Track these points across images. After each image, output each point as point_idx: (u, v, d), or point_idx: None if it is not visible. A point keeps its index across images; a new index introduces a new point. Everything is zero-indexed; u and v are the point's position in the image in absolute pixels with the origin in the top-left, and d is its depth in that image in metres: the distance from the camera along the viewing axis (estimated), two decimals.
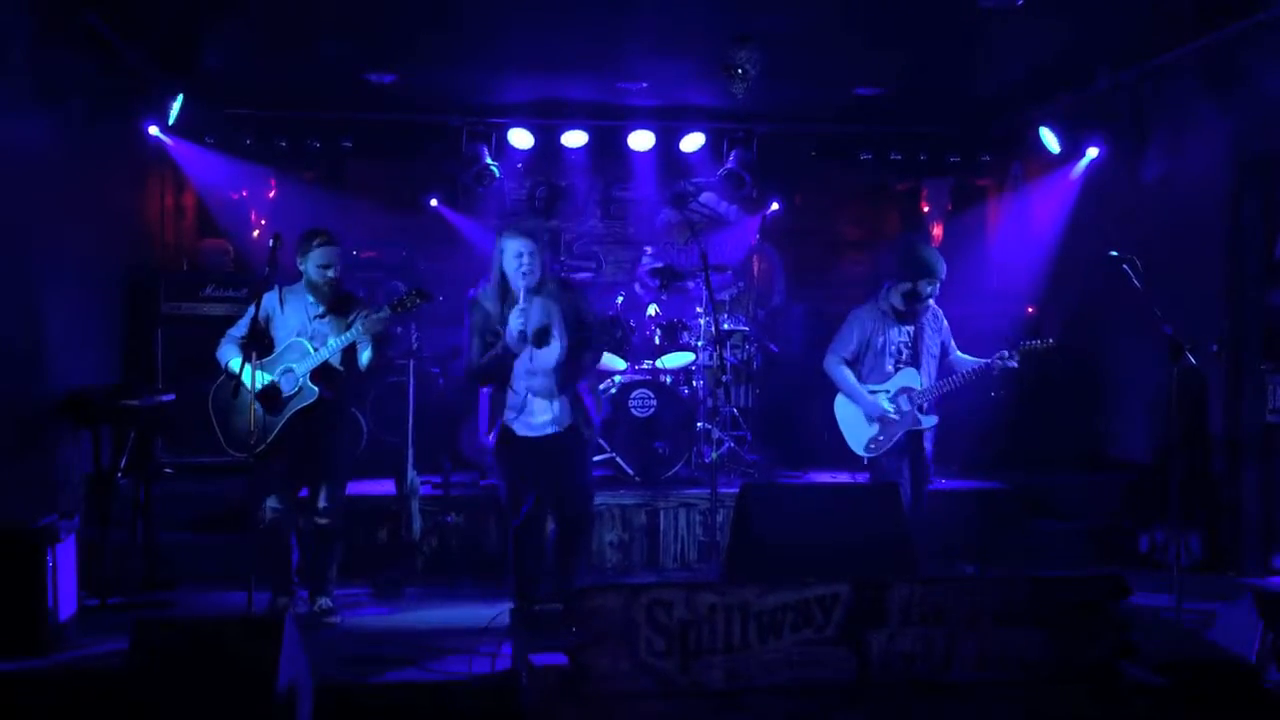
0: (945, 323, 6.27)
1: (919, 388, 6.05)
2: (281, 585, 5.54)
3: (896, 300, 6.11)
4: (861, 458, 6.15)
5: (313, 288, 5.53)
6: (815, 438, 7.38)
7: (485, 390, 5.35)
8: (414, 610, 5.82)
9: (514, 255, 5.12)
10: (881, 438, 6.07)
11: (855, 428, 6.14)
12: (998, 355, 5.98)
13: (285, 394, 5.41)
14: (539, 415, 5.27)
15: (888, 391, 6.08)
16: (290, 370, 5.42)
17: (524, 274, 5.11)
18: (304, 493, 5.60)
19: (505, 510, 5.41)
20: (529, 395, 5.25)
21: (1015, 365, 5.97)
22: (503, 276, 5.17)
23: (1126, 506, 7.17)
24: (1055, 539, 7.01)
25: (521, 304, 5.08)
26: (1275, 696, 4.26)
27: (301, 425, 5.43)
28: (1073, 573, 5.88)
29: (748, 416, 8.32)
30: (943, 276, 6.06)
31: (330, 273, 5.50)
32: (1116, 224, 7.70)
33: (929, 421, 6.08)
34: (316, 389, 5.40)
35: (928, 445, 6.16)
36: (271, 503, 5.45)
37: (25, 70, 5.77)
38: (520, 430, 5.28)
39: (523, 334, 5.09)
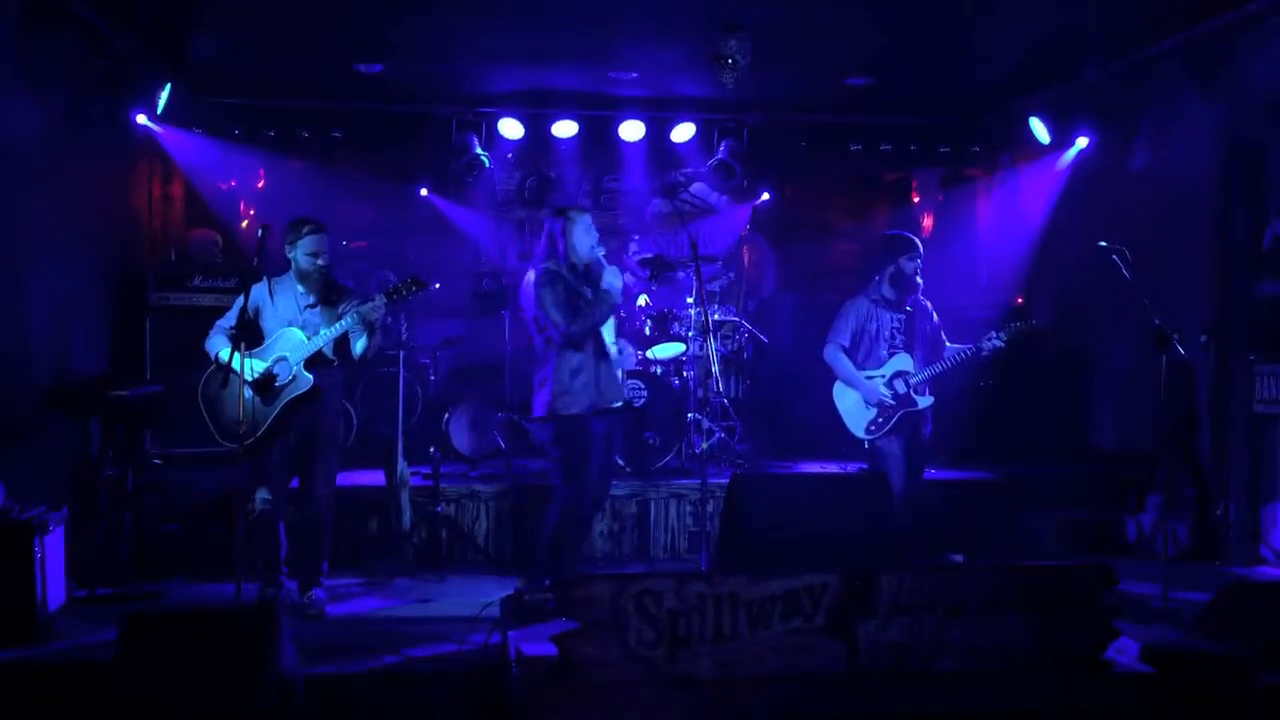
0: (936, 318, 6.42)
1: (912, 371, 6.22)
2: (270, 576, 5.53)
3: (887, 289, 6.31)
4: (861, 441, 6.30)
5: (303, 276, 5.50)
6: (805, 428, 7.41)
7: (547, 371, 5.45)
8: (404, 601, 5.82)
9: (586, 228, 5.54)
10: (880, 420, 6.23)
11: (854, 412, 6.30)
12: (985, 337, 6.16)
13: (279, 383, 5.38)
14: (616, 387, 5.59)
15: (883, 376, 6.26)
16: (284, 359, 5.39)
17: (598, 243, 5.57)
18: (294, 483, 5.59)
19: (570, 488, 5.47)
20: (606, 367, 5.52)
21: (1001, 344, 6.12)
22: (572, 249, 5.50)
23: (1114, 496, 7.19)
24: (1043, 528, 7.04)
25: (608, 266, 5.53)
26: (1260, 685, 4.28)
27: (293, 415, 5.41)
28: (1060, 562, 5.91)
29: (738, 407, 8.32)
30: (919, 250, 6.26)
31: (320, 260, 5.47)
32: (1105, 214, 7.72)
33: (925, 402, 6.25)
34: (310, 377, 5.38)
35: (925, 427, 6.31)
36: (262, 493, 5.44)
37: (11, 57, 5.74)
38: (601, 403, 5.49)
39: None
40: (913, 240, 6.33)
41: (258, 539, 5.50)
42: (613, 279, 5.52)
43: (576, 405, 5.40)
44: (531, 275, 5.55)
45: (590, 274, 5.55)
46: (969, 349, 6.20)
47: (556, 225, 5.56)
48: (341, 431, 5.74)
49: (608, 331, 5.62)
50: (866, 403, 6.24)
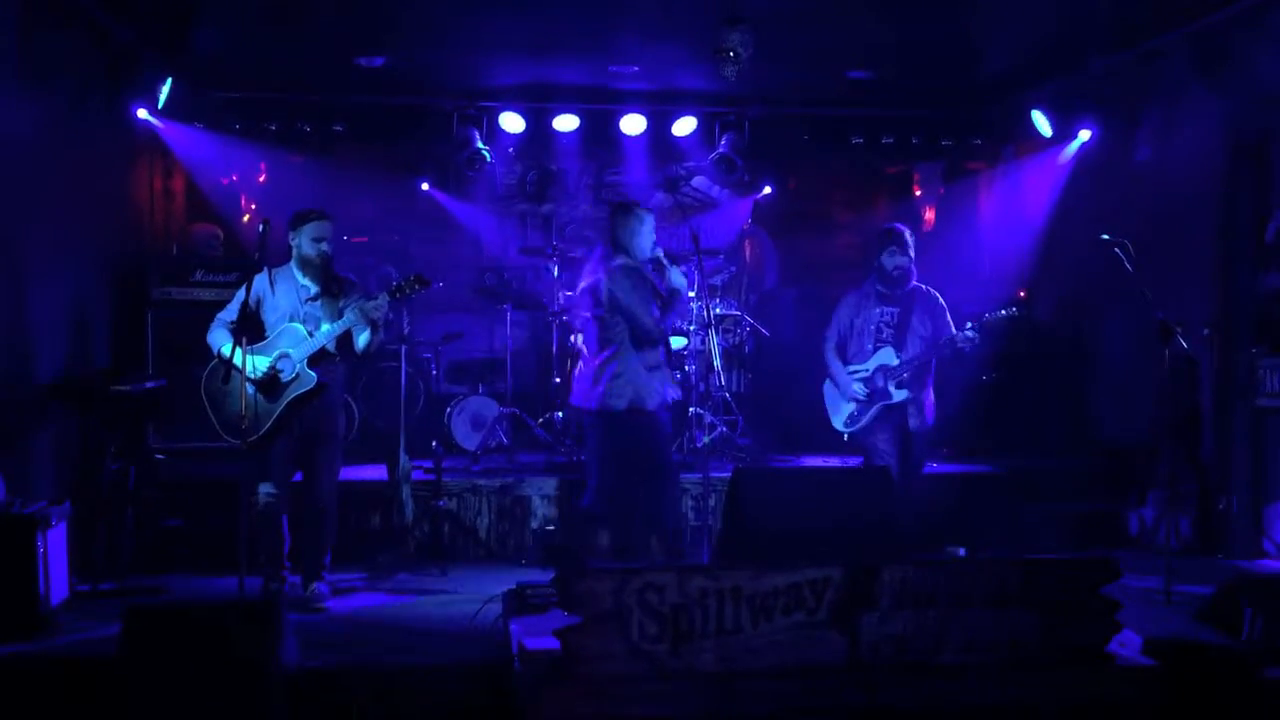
0: (941, 304, 6.33)
1: (894, 364, 6.19)
2: (273, 570, 5.53)
3: (877, 283, 6.32)
4: (842, 434, 6.38)
5: (305, 263, 5.49)
6: (807, 422, 7.39)
7: (616, 366, 5.61)
8: (406, 595, 5.82)
9: (651, 228, 5.72)
10: (857, 413, 6.29)
11: (835, 406, 6.41)
12: (962, 329, 6.12)
13: (283, 380, 5.38)
14: (675, 382, 5.93)
15: (866, 370, 6.28)
16: (287, 356, 5.39)
17: (656, 242, 5.78)
18: (296, 477, 5.59)
19: (668, 475, 5.80)
20: (667, 365, 5.84)
21: (975, 336, 6.09)
22: (633, 246, 5.69)
23: (1117, 489, 7.19)
24: (1045, 522, 7.03)
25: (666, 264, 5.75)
26: (1262, 678, 4.28)
27: (297, 411, 5.41)
28: (1063, 555, 5.90)
29: (739, 401, 8.31)
30: (903, 245, 6.23)
31: (324, 246, 5.47)
32: (1108, 207, 7.70)
33: (899, 395, 6.21)
34: (314, 375, 5.37)
35: (911, 421, 6.24)
36: (265, 488, 5.44)
37: (11, 51, 5.72)
38: (669, 398, 5.77)
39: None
40: (894, 234, 6.28)
41: (261, 533, 5.50)
42: (679, 278, 5.71)
43: (653, 400, 5.62)
44: (596, 272, 5.70)
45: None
46: (945, 339, 6.18)
47: (623, 221, 5.71)
48: (344, 426, 5.74)
49: None
50: (844, 397, 6.32)
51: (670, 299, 5.72)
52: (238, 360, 5.10)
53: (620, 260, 5.68)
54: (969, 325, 6.11)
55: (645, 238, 5.72)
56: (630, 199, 6.21)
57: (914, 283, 6.32)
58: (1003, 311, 6.16)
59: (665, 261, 5.75)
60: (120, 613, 4.11)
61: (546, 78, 8.47)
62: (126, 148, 7.75)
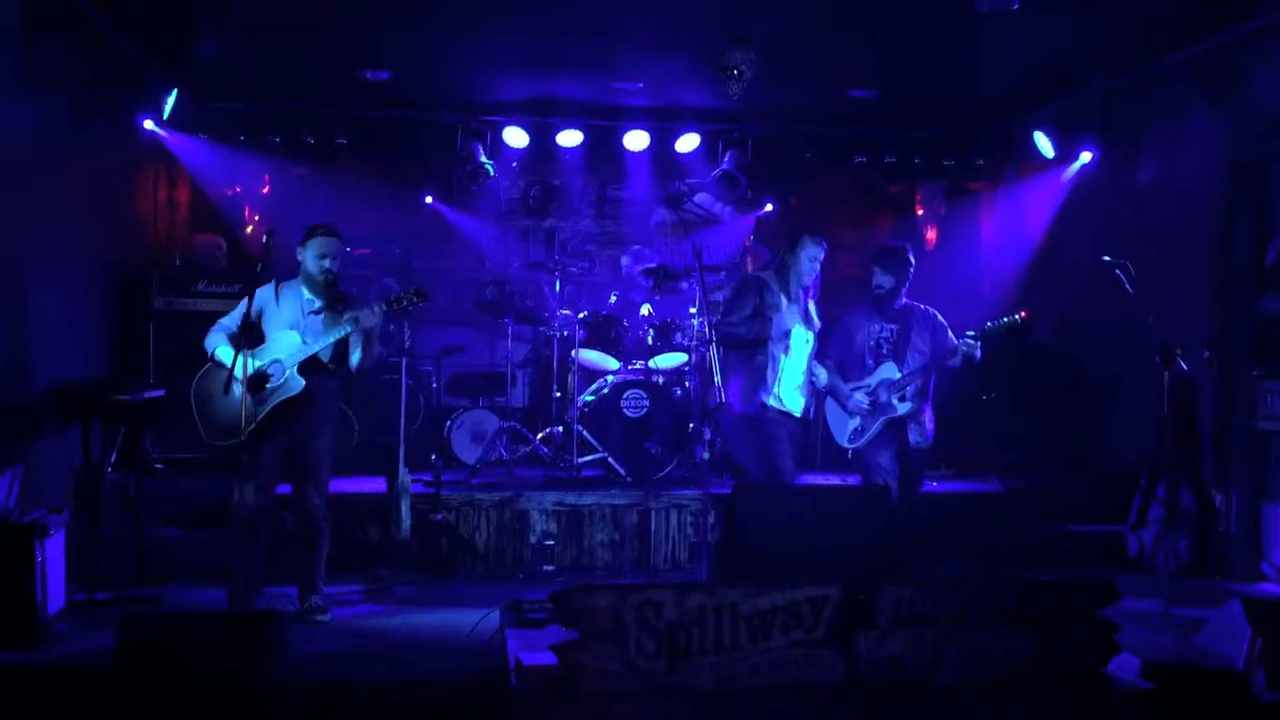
0: (941, 322, 6.31)
1: (896, 377, 6.18)
2: (259, 578, 5.51)
3: (869, 300, 6.34)
4: (846, 450, 6.32)
5: (309, 280, 5.52)
6: (807, 439, 7.39)
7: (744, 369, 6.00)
8: (404, 609, 5.81)
9: (811, 259, 6.05)
10: (861, 428, 6.24)
11: (838, 421, 6.36)
12: (962, 339, 6.09)
13: (272, 384, 5.38)
14: (785, 396, 6.11)
15: (868, 386, 6.24)
16: (279, 361, 5.40)
17: (814, 273, 6.11)
18: (287, 489, 5.57)
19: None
20: (776, 375, 6.05)
21: (976, 343, 6.06)
22: (791, 271, 6.06)
23: (1116, 510, 7.18)
24: (1044, 542, 7.01)
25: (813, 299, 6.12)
26: (1262, 702, 4.27)
27: (285, 418, 5.39)
28: (1061, 576, 5.89)
29: None
30: (886, 264, 6.25)
31: (327, 263, 5.48)
32: (1109, 228, 7.72)
33: (903, 408, 6.18)
34: (303, 381, 5.37)
35: (912, 436, 6.22)
36: (248, 493, 5.41)
37: (15, 61, 5.74)
38: (737, 404, 6.03)
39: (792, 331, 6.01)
40: (879, 253, 6.36)
41: (243, 538, 5.45)
42: (792, 319, 5.99)
43: (725, 394, 5.85)
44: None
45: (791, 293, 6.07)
46: (947, 348, 6.15)
47: (788, 247, 6.13)
48: (337, 439, 5.73)
49: (802, 350, 6.07)
50: (846, 411, 6.27)
51: (755, 319, 5.97)
52: (233, 366, 5.12)
53: (758, 272, 6.16)
54: (969, 334, 6.07)
55: (806, 264, 6.06)
56: (799, 230, 6.47)
57: (905, 301, 6.30)
58: (1005, 319, 6.07)
59: (811, 294, 6.13)
60: (117, 622, 4.11)
61: (551, 93, 8.50)
62: (131, 158, 7.78)
